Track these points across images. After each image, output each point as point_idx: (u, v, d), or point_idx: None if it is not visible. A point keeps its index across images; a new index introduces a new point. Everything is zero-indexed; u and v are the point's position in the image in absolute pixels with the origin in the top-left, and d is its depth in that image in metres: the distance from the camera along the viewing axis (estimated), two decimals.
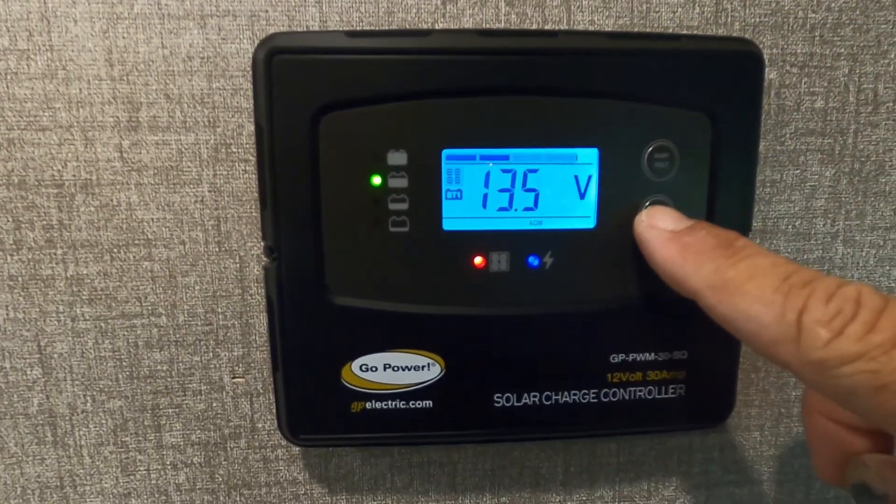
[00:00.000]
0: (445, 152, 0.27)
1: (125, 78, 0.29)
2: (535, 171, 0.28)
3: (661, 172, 0.28)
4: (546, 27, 0.30)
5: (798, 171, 0.33)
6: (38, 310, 0.31)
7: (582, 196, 0.28)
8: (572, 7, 0.30)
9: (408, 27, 0.30)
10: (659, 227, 0.26)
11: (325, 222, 0.27)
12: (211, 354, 0.32)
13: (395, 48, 0.26)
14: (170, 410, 0.33)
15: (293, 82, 0.26)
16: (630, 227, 0.28)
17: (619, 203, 0.28)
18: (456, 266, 0.28)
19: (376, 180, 0.27)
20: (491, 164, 0.27)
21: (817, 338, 0.19)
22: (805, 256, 0.34)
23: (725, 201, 0.28)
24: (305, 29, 0.29)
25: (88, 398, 0.32)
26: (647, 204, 0.28)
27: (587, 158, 0.28)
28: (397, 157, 0.27)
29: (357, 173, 0.27)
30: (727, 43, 0.28)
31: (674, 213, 0.26)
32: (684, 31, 0.30)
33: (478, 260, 0.28)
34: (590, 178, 0.28)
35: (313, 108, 0.26)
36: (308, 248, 0.27)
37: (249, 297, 0.32)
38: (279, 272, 0.28)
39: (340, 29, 0.29)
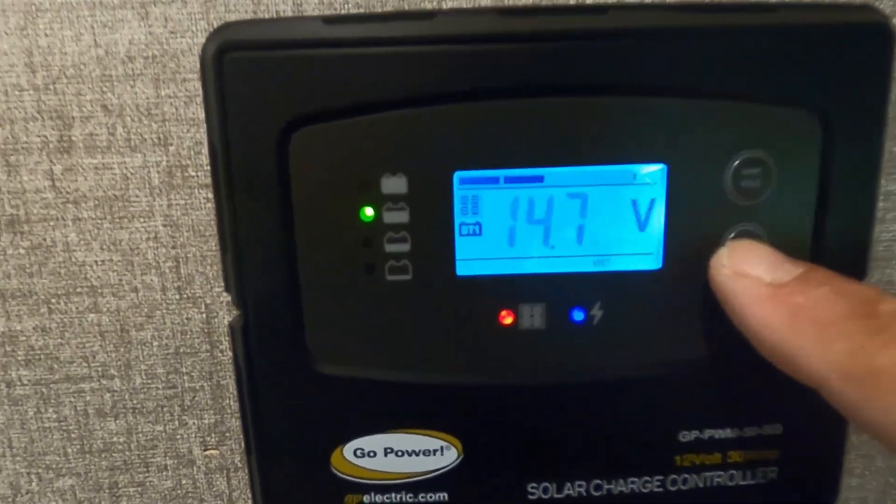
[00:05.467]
0: (458, 175, 0.20)
1: (51, 87, 0.23)
2: (579, 195, 0.21)
3: (752, 194, 0.21)
4: (590, 1, 0.23)
5: None
6: None
7: (642, 227, 0.21)
8: None
9: (405, 8, 0.23)
10: (751, 275, 0.19)
11: (302, 269, 0.21)
12: (177, 423, 0.27)
13: (389, 37, 0.19)
14: (131, 489, 0.27)
15: (253, 88, 0.19)
16: (708, 266, 0.21)
17: (692, 236, 0.21)
18: (475, 323, 0.22)
19: (368, 213, 0.21)
20: (520, 189, 0.21)
21: None
22: None
23: (839, 232, 0.21)
24: (275, 15, 0.23)
25: (34, 477, 0.27)
26: (732, 236, 0.21)
27: (650, 177, 0.21)
28: (394, 183, 0.20)
29: (342, 205, 0.21)
30: (842, 13, 0.20)
31: (770, 252, 0.19)
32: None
33: (504, 315, 0.21)
34: (653, 202, 0.21)
35: (281, 121, 0.20)
36: (282, 302, 0.21)
37: (220, 354, 0.26)
38: (246, 332, 0.21)
39: (317, 14, 0.22)
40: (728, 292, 0.19)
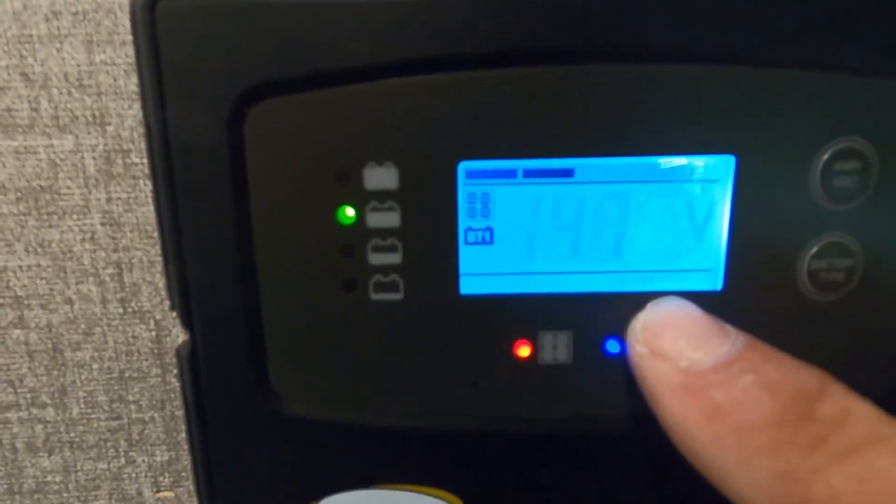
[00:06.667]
0: (464, 166, 0.16)
1: None
2: (618, 195, 0.16)
3: (845, 195, 0.16)
4: None
5: None
6: None
7: (699, 237, 0.17)
8: None
9: None
10: (667, 354, 0.15)
11: (263, 284, 0.17)
12: (123, 460, 0.23)
13: None
14: None
15: (196, 48, 0.15)
16: (783, 288, 0.16)
17: (764, 250, 0.17)
18: (483, 355, 0.17)
19: (347, 213, 0.16)
20: (543, 185, 0.16)
21: None
22: None
23: None
24: None
25: None
26: (815, 250, 0.16)
27: (713, 172, 0.16)
28: (381, 176, 0.16)
29: (314, 203, 0.16)
30: None
31: (695, 320, 0.15)
32: None
33: (519, 345, 0.17)
34: (714, 205, 0.16)
35: (233, 92, 0.16)
36: (238, 324, 0.17)
37: (174, 379, 0.22)
38: (195, 361, 0.17)
39: None
40: (640, 375, 0.15)
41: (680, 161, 0.16)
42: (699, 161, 0.16)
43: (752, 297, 0.17)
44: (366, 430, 0.18)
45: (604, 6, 0.15)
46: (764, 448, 0.13)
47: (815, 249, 0.16)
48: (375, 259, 0.17)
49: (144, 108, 0.16)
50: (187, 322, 0.17)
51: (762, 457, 0.13)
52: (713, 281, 0.17)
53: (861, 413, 0.13)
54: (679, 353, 0.14)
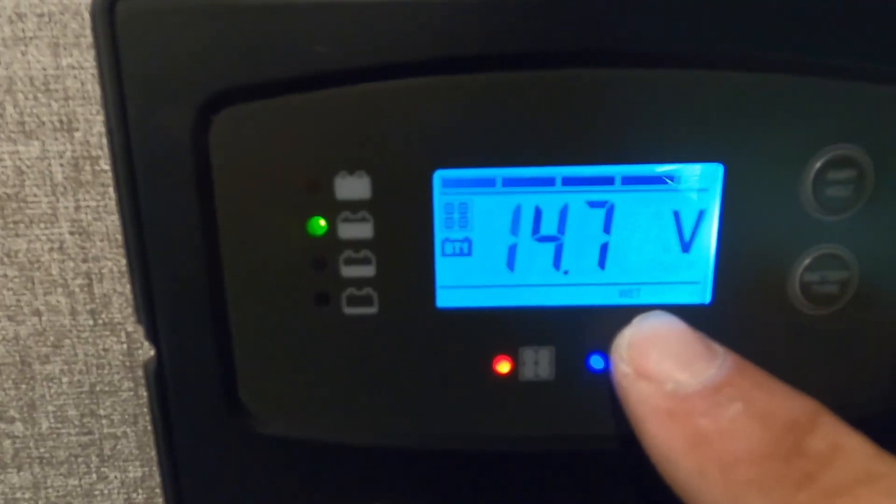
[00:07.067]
0: (440, 174, 0.15)
1: None
2: (603, 204, 0.15)
3: (839, 205, 0.15)
4: None
5: None
6: None
7: (687, 248, 0.16)
8: None
9: None
10: (653, 376, 0.14)
11: (231, 298, 0.16)
12: (95, 476, 0.22)
13: None
14: None
15: (158, 51, 0.14)
16: (774, 301, 0.15)
17: (754, 262, 0.16)
18: (461, 371, 0.17)
19: (320, 224, 0.15)
20: (523, 194, 0.15)
21: None
22: None
23: None
24: None
25: None
26: (807, 262, 0.15)
27: (701, 181, 0.15)
28: (353, 186, 0.15)
29: (284, 214, 0.15)
30: None
31: (683, 339, 0.14)
32: None
33: (499, 361, 0.16)
34: (702, 215, 0.16)
35: (198, 97, 0.15)
36: (206, 340, 0.16)
37: (146, 393, 0.21)
38: (161, 377, 0.16)
39: None
40: (624, 396, 0.14)
41: (666, 169, 0.15)
42: (686, 169, 0.15)
43: (742, 311, 0.16)
44: (339, 449, 0.17)
45: (586, 9, 0.14)
46: (751, 484, 0.12)
47: (807, 261, 0.16)
48: (348, 272, 0.16)
49: (106, 114, 0.15)
50: (153, 337, 0.16)
51: (749, 493, 0.12)
52: (701, 294, 0.16)
53: (853, 449, 0.12)
54: (665, 374, 0.13)
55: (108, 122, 0.15)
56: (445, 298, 0.16)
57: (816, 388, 0.14)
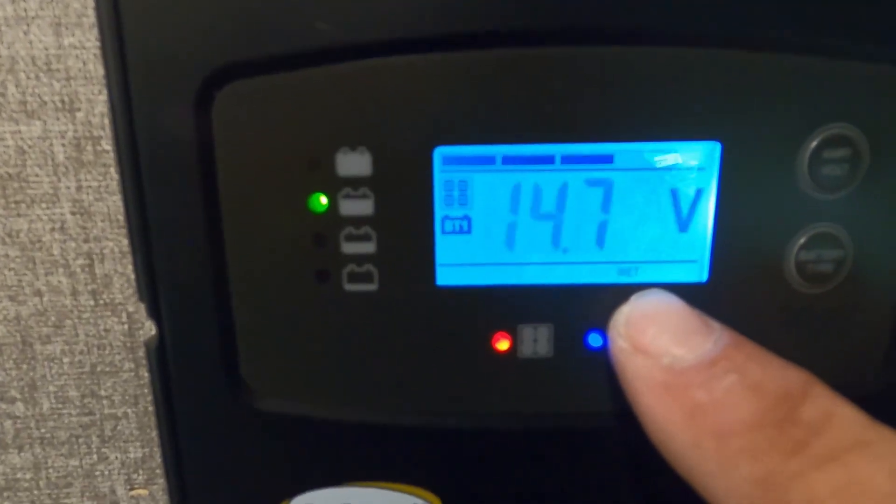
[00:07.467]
0: (440, 151, 0.15)
1: None
2: (601, 182, 0.16)
3: (835, 183, 0.16)
4: None
5: None
6: None
7: (684, 227, 0.16)
8: None
9: None
10: (649, 351, 0.14)
11: (233, 275, 0.16)
12: (95, 456, 0.22)
13: None
14: None
15: (161, 26, 0.14)
16: (770, 280, 0.16)
17: (750, 240, 0.16)
18: (460, 348, 0.17)
19: (320, 201, 0.16)
20: (523, 172, 0.16)
21: None
22: None
23: None
24: None
25: None
26: (802, 241, 0.16)
27: (698, 159, 0.15)
28: (354, 162, 0.15)
29: (285, 190, 0.16)
30: None
31: (679, 314, 0.15)
32: None
33: (498, 338, 0.17)
34: (700, 194, 0.16)
35: (201, 73, 0.15)
36: (208, 317, 0.16)
37: (147, 373, 0.21)
38: (163, 355, 0.16)
39: None
40: (621, 371, 0.15)
41: (664, 147, 0.16)
42: (684, 148, 0.16)
43: (739, 289, 0.16)
44: (340, 425, 0.17)
45: None
46: (744, 452, 0.12)
47: (802, 240, 0.16)
48: (349, 248, 0.16)
49: (109, 91, 0.15)
50: (155, 314, 0.17)
51: (742, 461, 0.12)
52: (698, 272, 0.16)
53: (844, 417, 0.12)
54: (661, 349, 0.14)
55: (110, 100, 0.15)
56: (445, 276, 0.16)
57: (810, 366, 0.14)
